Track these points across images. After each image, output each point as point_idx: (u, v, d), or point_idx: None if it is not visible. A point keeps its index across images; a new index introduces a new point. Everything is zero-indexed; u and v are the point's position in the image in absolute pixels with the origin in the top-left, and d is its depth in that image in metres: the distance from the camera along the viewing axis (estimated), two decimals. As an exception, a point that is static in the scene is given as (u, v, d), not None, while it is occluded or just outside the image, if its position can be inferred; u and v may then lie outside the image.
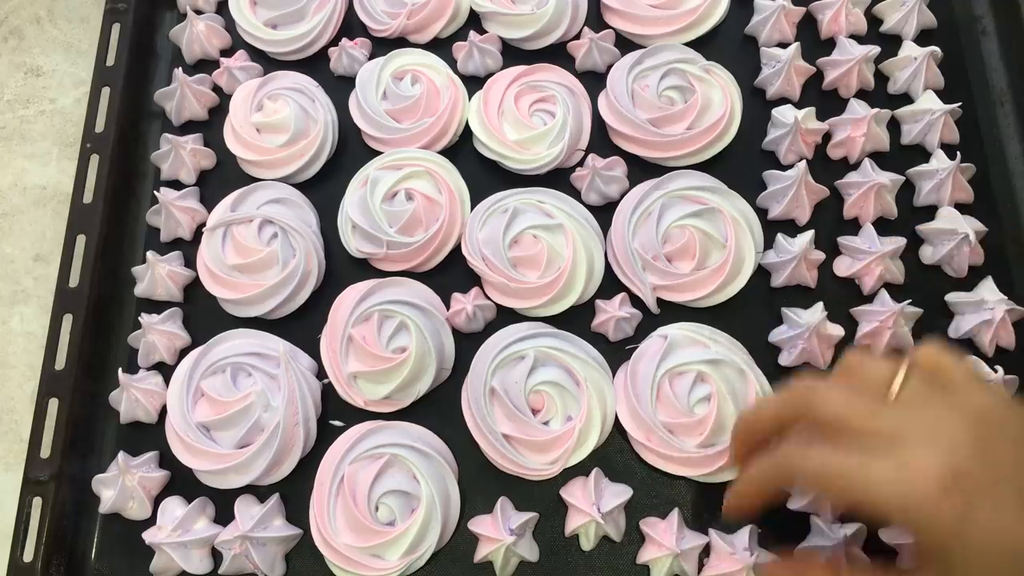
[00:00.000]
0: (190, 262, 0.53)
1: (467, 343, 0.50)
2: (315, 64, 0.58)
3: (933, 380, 0.36)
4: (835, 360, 0.49)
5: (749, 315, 0.50)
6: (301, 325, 0.51)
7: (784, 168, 0.53)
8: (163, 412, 0.49)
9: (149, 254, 0.51)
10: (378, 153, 0.54)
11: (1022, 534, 0.32)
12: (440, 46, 0.57)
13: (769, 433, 0.39)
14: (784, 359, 0.49)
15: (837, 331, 0.48)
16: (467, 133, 0.55)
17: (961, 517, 0.32)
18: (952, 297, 0.49)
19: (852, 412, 0.35)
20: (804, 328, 0.47)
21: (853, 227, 0.51)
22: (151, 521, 0.47)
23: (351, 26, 0.59)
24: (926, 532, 0.33)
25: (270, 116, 0.54)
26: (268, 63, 0.58)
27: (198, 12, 0.59)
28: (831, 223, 0.52)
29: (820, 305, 0.49)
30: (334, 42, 0.58)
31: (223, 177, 0.55)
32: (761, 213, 0.52)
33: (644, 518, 0.46)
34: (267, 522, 0.46)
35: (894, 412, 0.35)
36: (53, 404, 0.49)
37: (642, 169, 0.53)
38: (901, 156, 0.53)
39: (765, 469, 0.38)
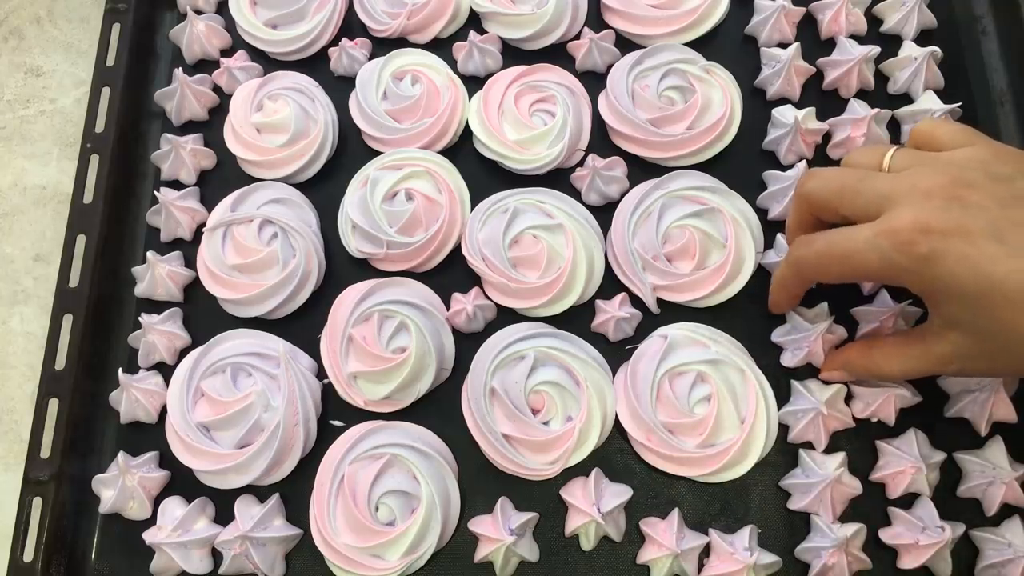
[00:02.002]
0: (190, 262, 0.53)
1: (467, 343, 0.50)
2: (315, 64, 0.58)
3: (923, 148, 0.40)
4: (848, 338, 0.49)
5: (749, 315, 0.50)
6: (301, 325, 0.51)
7: (784, 168, 0.53)
8: (163, 412, 0.49)
9: (149, 254, 0.51)
10: (378, 153, 0.54)
11: (993, 269, 0.35)
12: (440, 46, 0.57)
13: (806, 233, 0.43)
14: (787, 360, 0.49)
15: (841, 332, 0.48)
16: (467, 133, 0.55)
17: (933, 257, 0.36)
18: None
19: (844, 184, 0.40)
20: (810, 331, 0.48)
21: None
22: (151, 521, 0.47)
23: (351, 26, 0.59)
24: (909, 277, 0.37)
25: (270, 116, 0.54)
26: (268, 63, 0.58)
27: (198, 12, 0.59)
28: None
29: (825, 306, 0.49)
30: (334, 42, 0.58)
31: (223, 177, 0.55)
32: (761, 213, 0.52)
33: (644, 518, 0.46)
34: (267, 522, 0.46)
35: (880, 178, 0.39)
36: (53, 404, 0.49)
37: (642, 169, 0.53)
38: (901, 156, 0.53)
39: (783, 270, 0.44)
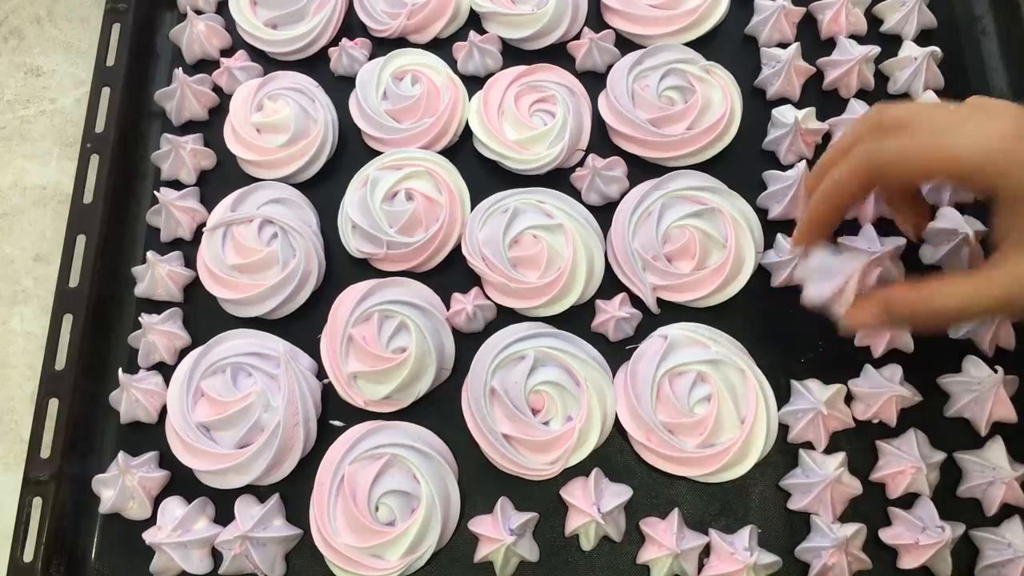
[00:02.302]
0: (190, 262, 0.53)
1: (467, 343, 0.50)
2: (315, 64, 0.58)
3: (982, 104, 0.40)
4: (849, 338, 0.49)
5: (749, 315, 0.50)
6: (301, 325, 0.51)
7: (784, 168, 0.53)
8: (163, 412, 0.49)
9: (149, 254, 0.51)
10: (378, 153, 0.54)
11: None
12: (440, 46, 0.57)
13: (853, 202, 0.42)
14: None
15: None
16: (467, 133, 0.55)
17: None
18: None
19: (924, 107, 0.40)
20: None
21: (853, 227, 0.51)
22: (151, 521, 0.47)
23: (351, 26, 0.59)
24: (1008, 177, 0.36)
25: (270, 116, 0.54)
26: (268, 63, 0.58)
27: (198, 12, 0.59)
28: (831, 223, 0.52)
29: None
30: (334, 42, 0.58)
31: (223, 177, 0.55)
32: (761, 213, 0.52)
33: (644, 518, 0.46)
34: (267, 522, 0.46)
35: (957, 107, 0.39)
36: (53, 404, 0.49)
37: (642, 169, 0.53)
38: (901, 156, 0.53)
39: (846, 169, 0.39)
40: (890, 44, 0.56)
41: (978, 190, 0.39)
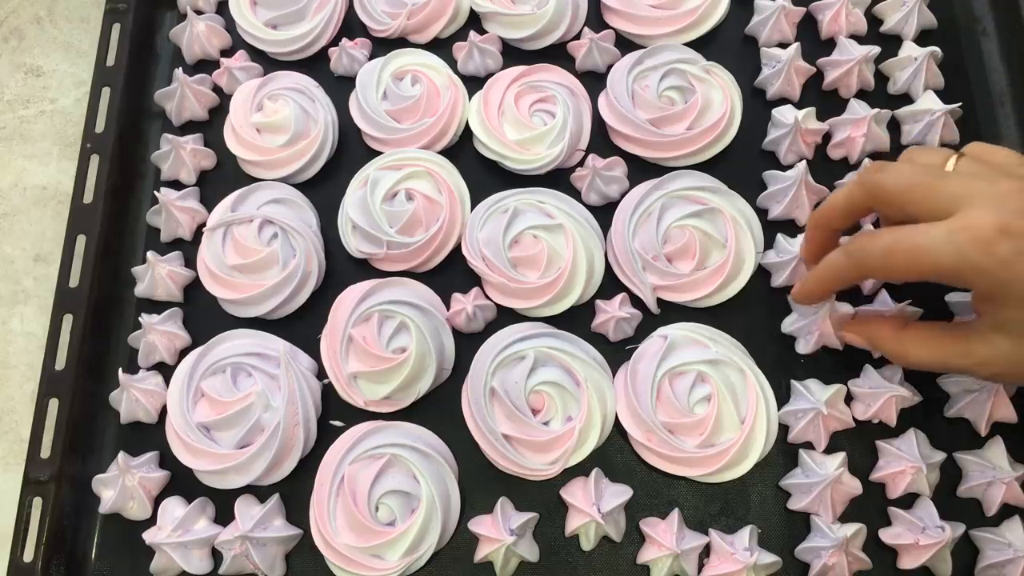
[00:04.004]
0: (190, 262, 0.53)
1: (467, 343, 0.50)
2: (315, 64, 0.58)
3: (983, 162, 0.41)
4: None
5: (749, 315, 0.50)
6: (301, 325, 0.51)
7: (784, 168, 0.53)
8: (163, 412, 0.49)
9: (149, 254, 0.51)
10: (378, 153, 0.54)
11: None
12: (440, 46, 0.57)
13: (842, 223, 0.44)
14: (801, 348, 0.49)
15: (847, 309, 0.48)
16: (467, 133, 0.55)
17: (1011, 258, 0.36)
18: (952, 297, 0.49)
19: (917, 180, 0.39)
20: (816, 314, 0.48)
21: (853, 227, 0.51)
22: (151, 521, 0.47)
23: (351, 26, 0.59)
24: (982, 277, 0.37)
25: (270, 116, 0.54)
26: (268, 63, 0.58)
27: (198, 12, 0.59)
28: (831, 223, 0.52)
29: None
30: (334, 42, 0.58)
31: (223, 177, 0.55)
32: (761, 213, 0.52)
33: (644, 518, 0.46)
34: (267, 522, 0.46)
35: (954, 178, 0.39)
36: (53, 404, 0.49)
37: (642, 169, 0.53)
38: (901, 156, 0.53)
39: (839, 260, 0.42)
40: (890, 44, 0.56)
41: (959, 285, 0.40)
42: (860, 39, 0.56)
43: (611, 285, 0.51)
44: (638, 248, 0.50)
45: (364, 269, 0.52)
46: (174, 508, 0.47)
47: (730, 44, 0.57)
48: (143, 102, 0.58)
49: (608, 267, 0.51)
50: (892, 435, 0.47)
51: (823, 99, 0.55)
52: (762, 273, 0.51)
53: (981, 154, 0.42)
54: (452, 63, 0.56)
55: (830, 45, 0.56)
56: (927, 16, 0.56)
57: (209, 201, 0.54)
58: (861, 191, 0.42)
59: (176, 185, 0.55)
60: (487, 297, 0.50)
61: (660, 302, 0.50)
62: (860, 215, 0.44)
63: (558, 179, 0.53)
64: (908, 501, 0.46)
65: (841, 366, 0.48)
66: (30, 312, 0.57)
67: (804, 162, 0.51)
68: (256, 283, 0.50)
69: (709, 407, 0.46)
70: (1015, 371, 0.40)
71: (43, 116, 0.62)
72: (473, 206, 0.52)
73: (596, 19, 0.58)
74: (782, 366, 0.49)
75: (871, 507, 0.46)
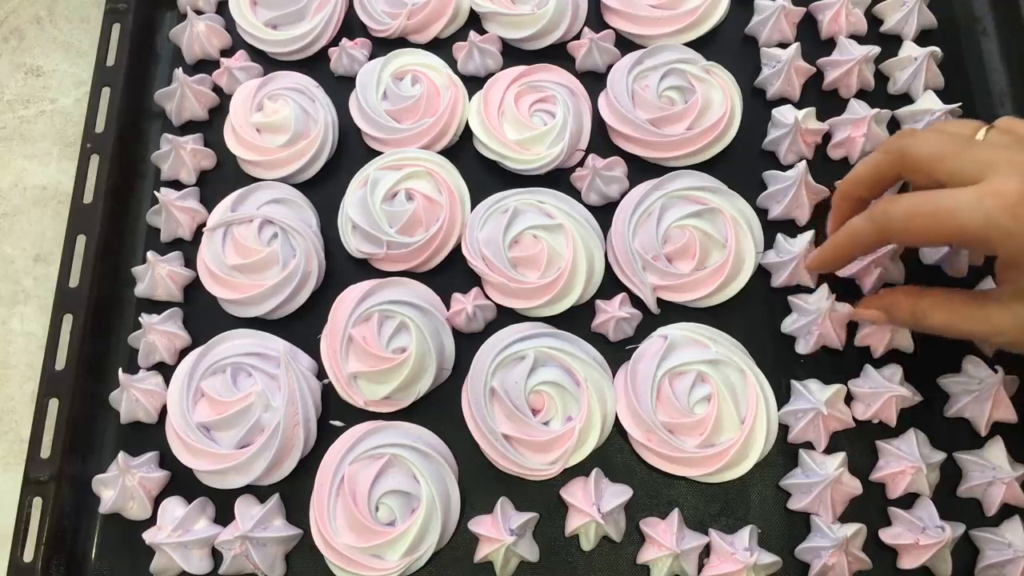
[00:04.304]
0: (190, 262, 0.53)
1: (467, 343, 0.50)
2: (315, 64, 0.58)
3: (1013, 134, 0.40)
4: (849, 338, 0.49)
5: (749, 315, 0.50)
6: (301, 325, 0.51)
7: (784, 168, 0.53)
8: (163, 412, 0.49)
9: (149, 254, 0.51)
10: (378, 153, 0.54)
11: None
12: (440, 46, 0.57)
13: (869, 191, 0.44)
14: (801, 348, 0.49)
15: (846, 309, 0.48)
16: (467, 133, 0.55)
17: None
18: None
19: (946, 148, 0.39)
20: (816, 314, 0.48)
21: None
22: (151, 521, 0.47)
23: (351, 26, 0.59)
24: (1008, 241, 0.37)
25: (270, 116, 0.54)
26: (268, 63, 0.58)
27: (198, 12, 0.59)
28: (831, 223, 0.52)
29: (825, 287, 0.49)
30: (334, 42, 0.58)
31: (223, 177, 0.55)
32: (761, 213, 0.52)
33: (644, 518, 0.46)
34: (267, 522, 0.46)
35: (984, 147, 0.39)
36: (53, 404, 0.49)
37: (642, 169, 0.53)
38: (901, 156, 0.53)
39: (861, 224, 0.42)
40: (890, 44, 0.56)
41: (983, 251, 0.40)
42: (860, 39, 0.56)
43: (611, 285, 0.51)
44: (638, 248, 0.50)
45: (364, 269, 0.52)
46: (174, 508, 0.47)
47: (730, 44, 0.57)
48: (143, 102, 0.58)
49: (608, 267, 0.51)
50: (892, 435, 0.47)
51: (823, 99, 0.55)
52: (762, 273, 0.51)
53: (1011, 126, 0.41)
54: (452, 63, 0.56)
55: (830, 45, 0.56)
56: (927, 16, 0.56)
57: (209, 201, 0.54)
58: (888, 159, 0.42)
59: (176, 185, 0.55)
60: (487, 297, 0.50)
61: (660, 302, 0.50)
62: (887, 184, 0.43)
63: (558, 179, 0.53)
64: (908, 501, 0.46)
65: (841, 366, 0.49)
66: (30, 312, 0.57)
67: (804, 162, 0.51)
68: (256, 283, 0.50)
69: (709, 407, 0.46)
70: None
71: (43, 116, 0.62)
72: (473, 206, 0.52)
73: (596, 19, 0.58)
74: (782, 366, 0.49)
75: (871, 507, 0.46)
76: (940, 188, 0.39)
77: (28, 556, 0.46)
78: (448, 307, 0.50)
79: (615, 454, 0.48)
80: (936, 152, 0.40)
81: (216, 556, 0.46)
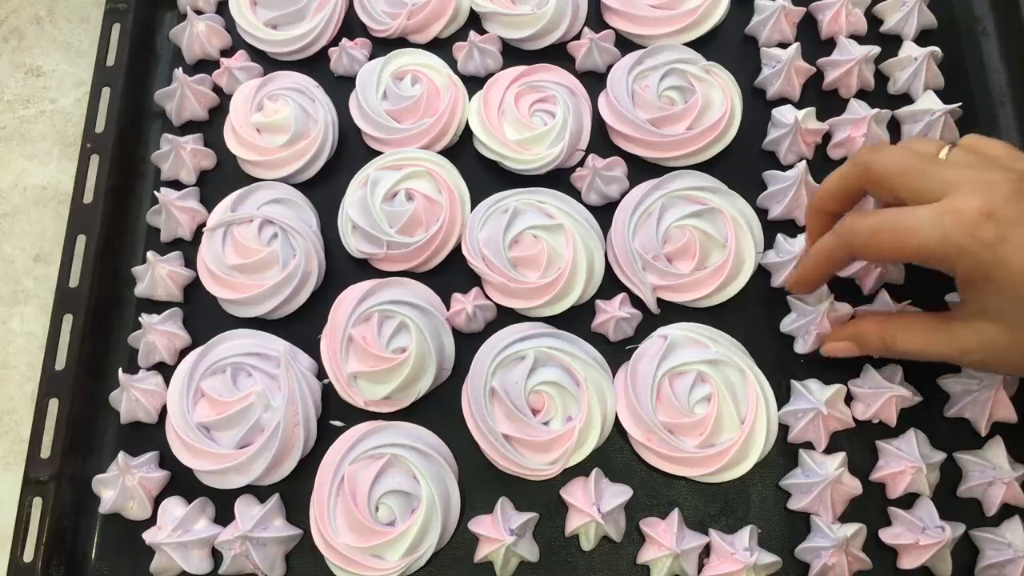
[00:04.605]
0: (190, 262, 0.53)
1: (467, 343, 0.50)
2: (315, 64, 0.58)
3: (977, 153, 0.41)
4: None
5: (749, 315, 0.50)
6: (301, 325, 0.51)
7: (784, 168, 0.53)
8: (163, 412, 0.49)
9: (149, 254, 0.51)
10: (378, 153, 0.54)
11: None
12: (440, 46, 0.57)
13: (838, 205, 0.45)
14: (799, 347, 0.49)
15: (846, 309, 0.48)
16: (467, 133, 0.55)
17: (995, 241, 0.37)
18: (951, 297, 0.49)
19: (909, 164, 0.40)
20: (815, 313, 0.48)
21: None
22: (151, 521, 0.47)
23: (351, 26, 0.59)
24: (965, 259, 0.37)
25: (270, 116, 0.54)
26: (268, 63, 0.58)
27: (198, 12, 0.59)
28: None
29: (825, 287, 0.48)
30: (334, 42, 0.58)
31: (223, 177, 0.55)
32: (761, 213, 0.52)
33: (644, 518, 0.46)
34: (267, 522, 0.46)
35: (946, 165, 0.40)
36: (53, 404, 0.49)
37: (642, 169, 0.53)
38: (901, 156, 0.53)
39: (829, 240, 0.43)
40: (890, 44, 0.56)
41: (943, 269, 0.40)
42: (860, 39, 0.56)
43: (611, 285, 0.51)
44: (638, 248, 0.50)
45: (364, 269, 0.52)
46: (174, 508, 0.47)
47: (730, 44, 0.57)
48: (143, 102, 0.58)
49: (608, 267, 0.51)
50: (892, 435, 0.47)
51: (823, 99, 0.55)
52: (762, 273, 0.51)
53: (975, 145, 0.42)
54: (452, 63, 0.56)
55: (830, 45, 0.56)
56: (927, 16, 0.56)
57: (209, 201, 0.54)
58: (854, 172, 0.43)
59: (176, 185, 0.55)
60: (487, 297, 0.50)
61: (660, 302, 0.50)
62: (855, 198, 0.44)
63: (558, 179, 0.53)
64: (908, 501, 0.46)
65: (841, 366, 0.48)
66: (30, 312, 0.57)
67: (804, 162, 0.51)
68: (256, 283, 0.50)
69: (709, 407, 0.46)
70: (997, 360, 0.40)
71: (43, 116, 0.62)
72: (473, 206, 0.52)
73: (596, 19, 0.58)
74: (782, 366, 0.49)
75: (871, 507, 0.46)
76: (902, 205, 0.39)
77: (28, 556, 0.46)
78: (448, 307, 0.50)
79: (615, 454, 0.48)
80: (899, 168, 0.40)
81: (216, 556, 0.46)
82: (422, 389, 0.48)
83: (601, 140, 0.55)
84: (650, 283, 0.50)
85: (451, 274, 0.52)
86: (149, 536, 0.46)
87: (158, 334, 0.50)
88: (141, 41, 0.59)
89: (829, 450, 0.47)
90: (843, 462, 0.46)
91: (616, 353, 0.49)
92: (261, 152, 0.54)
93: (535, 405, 0.47)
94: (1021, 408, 0.47)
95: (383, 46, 0.58)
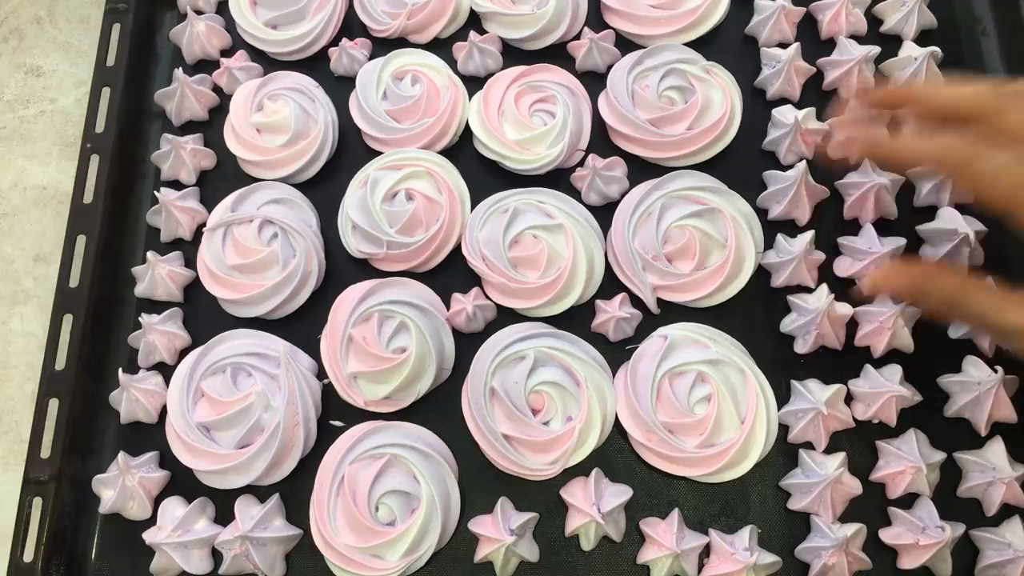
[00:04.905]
0: (190, 262, 0.53)
1: (467, 343, 0.50)
2: (315, 64, 0.58)
3: None
4: (849, 338, 0.49)
5: (749, 315, 0.50)
6: (301, 325, 0.51)
7: (784, 168, 0.53)
8: (163, 412, 0.49)
9: (149, 254, 0.51)
10: (378, 153, 0.54)
11: None
12: (440, 46, 0.57)
13: (925, 110, 0.42)
14: (799, 347, 0.49)
15: (846, 309, 0.48)
16: (467, 133, 0.55)
17: None
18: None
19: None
20: (815, 313, 0.48)
21: (853, 227, 0.51)
22: (151, 521, 0.47)
23: (351, 26, 0.59)
24: None
25: (270, 116, 0.54)
26: (268, 63, 0.58)
27: (198, 12, 0.59)
28: (831, 223, 0.52)
29: (824, 287, 0.49)
30: (334, 42, 0.58)
31: (223, 177, 0.55)
32: (761, 213, 0.52)
33: (644, 518, 0.46)
34: (267, 522, 0.46)
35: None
36: (53, 404, 0.49)
37: (642, 169, 0.53)
38: (901, 156, 0.53)
39: (958, 150, 0.38)
40: (890, 44, 0.56)
41: None
42: (860, 39, 0.56)
43: (611, 285, 0.51)
44: (638, 248, 0.50)
45: (364, 269, 0.52)
46: (174, 508, 0.47)
47: (730, 44, 0.57)
48: (143, 102, 0.58)
49: (608, 267, 0.51)
50: (892, 435, 0.47)
51: (823, 99, 0.55)
52: (762, 273, 0.51)
53: None
54: (452, 63, 0.56)
55: (830, 45, 0.56)
56: (927, 16, 0.56)
57: (209, 201, 0.54)
58: (957, 153, 0.39)
59: (176, 185, 0.55)
60: (487, 297, 0.50)
61: (660, 302, 0.50)
62: (945, 125, 0.41)
63: (558, 179, 0.53)
64: (908, 501, 0.46)
65: (841, 366, 0.49)
66: (30, 312, 0.57)
67: (804, 162, 0.51)
68: (256, 283, 0.50)
69: (709, 407, 0.46)
70: None
71: (43, 116, 0.62)
72: (473, 206, 0.52)
73: (596, 19, 0.58)
74: (782, 366, 0.49)
75: (871, 507, 0.46)
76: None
77: (28, 556, 0.46)
78: (448, 307, 0.50)
79: (615, 454, 0.48)
80: (1017, 188, 0.37)
81: (216, 556, 0.46)
82: (422, 389, 0.48)
83: (601, 140, 0.55)
84: (650, 283, 0.50)
85: (451, 274, 0.52)
86: (149, 536, 0.46)
87: (158, 334, 0.50)
88: (141, 41, 0.59)
89: (829, 450, 0.47)
90: (843, 462, 0.46)
91: (616, 353, 0.49)
92: (261, 152, 0.54)
93: (535, 405, 0.47)
94: (1021, 408, 0.47)
95: (383, 46, 0.58)
